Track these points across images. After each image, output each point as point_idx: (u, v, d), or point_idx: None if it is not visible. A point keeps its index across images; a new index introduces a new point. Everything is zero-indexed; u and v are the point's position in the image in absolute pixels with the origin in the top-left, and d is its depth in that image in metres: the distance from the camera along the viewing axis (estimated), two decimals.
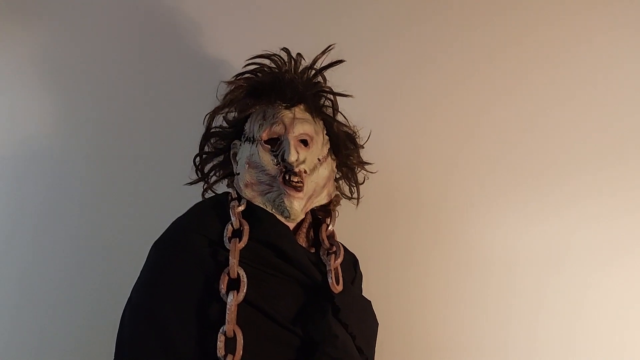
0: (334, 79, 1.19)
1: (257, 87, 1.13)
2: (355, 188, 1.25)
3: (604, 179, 1.46)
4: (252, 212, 1.09)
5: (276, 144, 1.10)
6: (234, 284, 0.98)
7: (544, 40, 1.52)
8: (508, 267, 1.45)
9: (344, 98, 1.19)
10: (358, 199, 1.25)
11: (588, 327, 1.42)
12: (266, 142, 1.11)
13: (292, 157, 1.06)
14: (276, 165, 1.08)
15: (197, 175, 1.23)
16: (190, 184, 1.23)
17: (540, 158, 1.48)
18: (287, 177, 1.07)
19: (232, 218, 1.07)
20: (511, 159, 1.49)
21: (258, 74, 1.16)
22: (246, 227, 1.05)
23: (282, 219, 1.09)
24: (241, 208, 1.09)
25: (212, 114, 1.18)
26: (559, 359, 1.41)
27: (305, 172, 1.08)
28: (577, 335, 1.42)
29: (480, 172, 1.49)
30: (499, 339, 1.43)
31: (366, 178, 1.27)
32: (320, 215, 1.21)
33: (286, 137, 1.08)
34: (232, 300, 0.95)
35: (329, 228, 1.18)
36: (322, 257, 1.12)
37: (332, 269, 1.08)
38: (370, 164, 1.25)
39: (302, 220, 1.16)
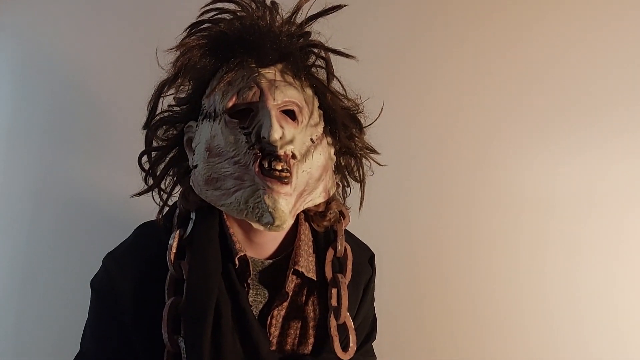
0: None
1: (220, 42, 0.78)
2: (360, 183, 0.91)
3: (635, 115, 1.35)
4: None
5: (247, 119, 0.76)
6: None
7: None
8: (540, 208, 1.37)
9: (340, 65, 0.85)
10: (362, 199, 0.91)
11: (627, 267, 1.34)
12: (233, 115, 0.76)
13: (275, 134, 0.72)
14: (249, 148, 0.74)
15: (146, 182, 0.88)
16: (139, 194, 0.87)
17: (571, 92, 1.37)
18: (266, 165, 0.72)
19: (168, 261, 0.80)
20: (540, 93, 1.38)
21: (220, 24, 0.81)
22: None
23: (260, 228, 0.74)
24: (174, 244, 0.81)
25: (157, 92, 0.83)
26: (597, 302, 1.35)
27: (293, 156, 0.74)
28: (615, 277, 1.34)
29: (507, 113, 1.38)
30: (533, 282, 1.36)
31: (369, 171, 0.92)
32: (318, 225, 0.88)
33: (264, 105, 0.74)
34: None
35: (339, 249, 0.87)
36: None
37: (333, 325, 0.82)
38: (377, 153, 0.91)
39: (296, 235, 0.85)
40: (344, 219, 0.90)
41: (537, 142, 1.38)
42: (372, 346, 0.98)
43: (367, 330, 0.96)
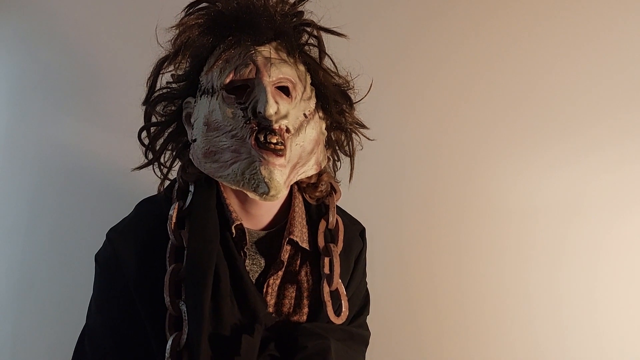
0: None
1: (218, 21, 0.82)
2: (350, 157, 0.95)
3: (621, 126, 1.38)
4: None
5: (244, 95, 0.80)
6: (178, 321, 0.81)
7: None
8: (526, 217, 1.39)
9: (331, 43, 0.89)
10: (352, 171, 0.95)
11: (608, 275, 1.37)
12: (230, 91, 0.80)
13: (270, 109, 0.76)
14: (245, 122, 0.78)
15: (146, 156, 0.92)
16: (139, 168, 0.92)
17: (557, 105, 1.39)
18: (262, 138, 0.77)
19: (169, 230, 0.83)
20: (528, 106, 1.40)
21: (217, 3, 0.85)
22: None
23: (256, 197, 0.79)
24: (174, 215, 0.85)
25: (157, 69, 0.87)
26: (579, 307, 1.37)
27: (287, 130, 0.79)
28: (597, 283, 1.37)
29: (496, 121, 1.40)
30: (519, 289, 1.38)
31: (359, 146, 0.97)
32: (310, 196, 0.93)
33: (259, 81, 0.79)
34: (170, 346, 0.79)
35: (331, 221, 0.92)
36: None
37: (326, 292, 0.87)
38: (366, 128, 0.96)
39: (290, 206, 0.89)
40: (335, 193, 0.95)
41: (525, 152, 1.40)
42: (366, 321, 1.01)
43: (360, 303, 1.00)
